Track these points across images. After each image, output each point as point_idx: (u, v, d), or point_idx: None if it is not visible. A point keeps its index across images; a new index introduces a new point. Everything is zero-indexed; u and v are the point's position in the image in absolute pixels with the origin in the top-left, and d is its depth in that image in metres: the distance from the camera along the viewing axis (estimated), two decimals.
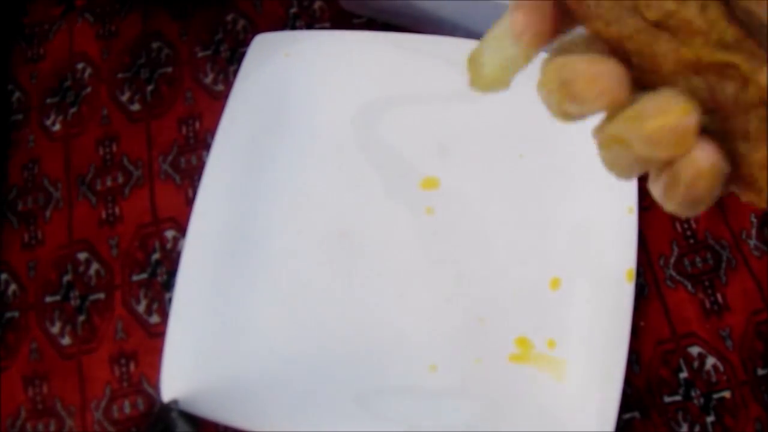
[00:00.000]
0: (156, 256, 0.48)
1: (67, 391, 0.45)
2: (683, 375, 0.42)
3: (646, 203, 0.46)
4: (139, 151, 0.51)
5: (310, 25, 0.54)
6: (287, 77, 0.49)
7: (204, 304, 0.43)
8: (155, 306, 0.47)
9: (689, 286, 0.44)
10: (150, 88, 0.53)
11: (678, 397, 0.42)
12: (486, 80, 0.21)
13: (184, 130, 0.51)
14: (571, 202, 0.44)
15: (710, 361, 0.42)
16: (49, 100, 0.54)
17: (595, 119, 0.20)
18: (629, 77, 0.19)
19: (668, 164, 0.18)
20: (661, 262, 0.44)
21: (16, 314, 0.48)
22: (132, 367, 0.46)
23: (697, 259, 0.44)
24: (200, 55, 0.54)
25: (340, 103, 0.48)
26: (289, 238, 0.45)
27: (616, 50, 0.19)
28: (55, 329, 0.47)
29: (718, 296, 0.43)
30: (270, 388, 0.41)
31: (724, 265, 0.44)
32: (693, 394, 0.42)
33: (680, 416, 0.41)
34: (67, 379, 0.46)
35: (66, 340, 0.47)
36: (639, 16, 0.19)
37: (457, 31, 0.49)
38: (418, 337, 0.42)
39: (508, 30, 0.20)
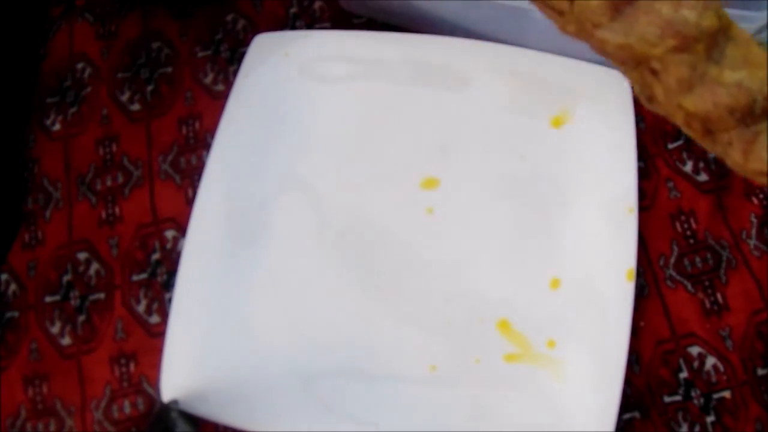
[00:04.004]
0: (156, 256, 0.48)
1: (67, 391, 0.45)
2: (683, 375, 0.42)
3: (646, 203, 0.46)
4: (139, 151, 0.51)
5: (310, 25, 0.54)
6: (287, 77, 0.49)
7: (204, 304, 0.43)
8: (155, 306, 0.47)
9: (689, 286, 0.44)
10: (150, 88, 0.53)
11: (678, 397, 0.42)
12: None
13: (184, 130, 0.51)
14: (571, 202, 0.44)
15: (710, 361, 0.42)
16: (49, 100, 0.54)
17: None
18: None
19: None
20: (661, 262, 0.44)
21: (16, 314, 0.48)
22: (132, 367, 0.46)
23: (697, 259, 0.44)
24: (200, 55, 0.54)
25: (340, 103, 0.48)
26: (289, 238, 0.45)
27: None
28: (55, 329, 0.47)
29: (718, 296, 0.43)
30: (270, 388, 0.41)
31: (724, 265, 0.44)
32: (693, 394, 0.42)
33: (680, 416, 0.41)
34: (67, 379, 0.46)
35: (66, 340, 0.47)
36: None
37: (457, 31, 0.49)
38: (417, 337, 0.42)
39: None
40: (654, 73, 0.20)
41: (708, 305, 0.43)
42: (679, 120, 0.21)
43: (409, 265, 0.44)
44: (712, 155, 0.47)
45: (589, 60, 0.46)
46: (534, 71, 0.47)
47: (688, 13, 0.19)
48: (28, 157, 0.52)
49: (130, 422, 0.44)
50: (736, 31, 0.21)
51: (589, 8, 0.20)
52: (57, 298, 0.48)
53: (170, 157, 0.51)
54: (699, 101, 0.20)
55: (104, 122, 0.52)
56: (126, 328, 0.47)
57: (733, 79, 0.20)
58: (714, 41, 0.20)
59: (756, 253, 0.44)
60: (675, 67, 0.20)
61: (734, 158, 0.21)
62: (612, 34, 0.20)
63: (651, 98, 0.21)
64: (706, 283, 0.44)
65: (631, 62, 0.21)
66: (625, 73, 0.22)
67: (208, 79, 0.53)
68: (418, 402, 0.41)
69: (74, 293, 0.48)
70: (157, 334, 0.46)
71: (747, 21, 0.38)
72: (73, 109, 0.53)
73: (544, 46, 0.46)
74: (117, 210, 0.50)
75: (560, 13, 0.21)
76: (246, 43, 0.50)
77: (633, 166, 0.43)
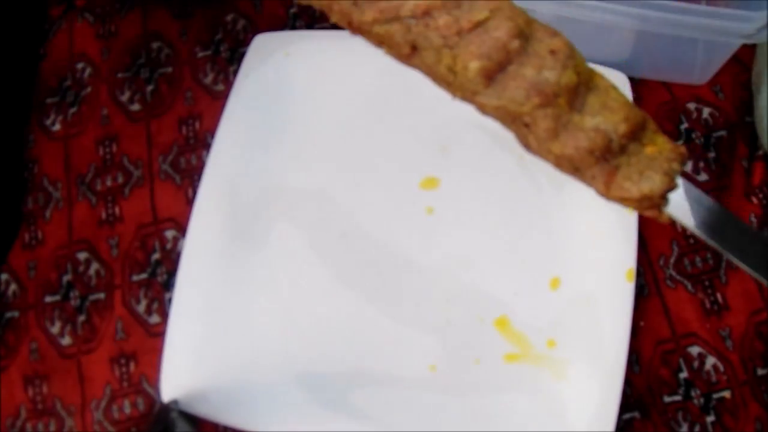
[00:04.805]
0: (156, 256, 0.48)
1: (67, 391, 0.45)
2: (683, 375, 0.42)
3: None
4: (139, 151, 0.51)
5: (310, 25, 0.54)
6: (287, 77, 0.49)
7: (204, 304, 0.43)
8: (155, 306, 0.47)
9: (689, 286, 0.44)
10: (150, 88, 0.53)
11: (678, 397, 0.42)
12: None
13: (184, 130, 0.51)
14: (570, 202, 0.44)
15: (710, 361, 0.42)
16: (49, 100, 0.54)
17: None
18: None
19: None
20: (661, 262, 0.44)
21: (16, 314, 0.48)
22: (132, 367, 0.46)
23: (697, 259, 0.44)
24: (200, 55, 0.54)
25: (340, 103, 0.48)
26: (289, 238, 0.45)
27: None
28: (55, 329, 0.47)
29: (718, 296, 0.43)
30: (269, 388, 0.41)
31: (724, 265, 0.44)
32: (693, 394, 0.42)
33: (680, 416, 0.41)
34: (67, 379, 0.46)
35: (66, 340, 0.47)
36: None
37: None
38: (417, 337, 0.42)
39: None
40: (527, 126, 0.24)
41: (708, 305, 0.43)
42: (551, 161, 0.25)
43: (408, 264, 0.44)
44: (712, 155, 0.47)
45: (590, 60, 0.46)
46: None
47: (549, 74, 0.23)
48: (28, 157, 0.52)
49: (130, 422, 0.44)
50: (597, 81, 0.24)
51: (467, 79, 0.24)
52: (57, 298, 0.48)
53: (170, 157, 0.51)
54: (564, 146, 0.24)
55: (104, 122, 0.52)
56: (126, 328, 0.47)
57: (591, 124, 0.23)
58: (575, 93, 0.23)
59: None
60: (542, 120, 0.23)
61: (598, 189, 0.24)
62: (488, 99, 0.24)
63: (527, 146, 0.25)
64: (706, 283, 0.44)
65: (508, 119, 0.24)
66: (506, 127, 0.25)
67: (208, 79, 0.53)
68: (418, 402, 0.41)
69: (74, 293, 0.48)
70: (157, 334, 0.46)
71: (747, 21, 0.37)
72: (73, 109, 0.53)
73: None
74: (117, 210, 0.50)
75: (448, 84, 0.25)
76: (246, 43, 0.50)
77: None
